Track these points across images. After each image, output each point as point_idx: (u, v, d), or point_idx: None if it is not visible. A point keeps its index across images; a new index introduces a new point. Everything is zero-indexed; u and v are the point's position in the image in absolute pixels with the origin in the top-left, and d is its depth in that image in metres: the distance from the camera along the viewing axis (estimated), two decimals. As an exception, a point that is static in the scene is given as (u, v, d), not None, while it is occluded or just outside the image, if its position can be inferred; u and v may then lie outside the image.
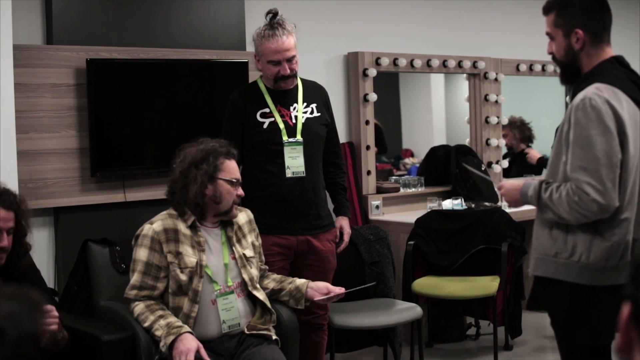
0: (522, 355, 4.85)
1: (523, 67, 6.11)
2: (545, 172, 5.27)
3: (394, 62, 5.34)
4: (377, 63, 5.24)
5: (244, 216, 3.39)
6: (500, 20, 6.20)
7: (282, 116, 3.64)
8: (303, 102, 3.70)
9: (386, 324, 4.15)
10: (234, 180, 3.22)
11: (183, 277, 3.11)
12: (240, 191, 3.25)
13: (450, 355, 4.91)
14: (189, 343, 2.97)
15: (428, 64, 5.55)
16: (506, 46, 6.15)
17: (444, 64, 5.64)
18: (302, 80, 3.76)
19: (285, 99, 3.66)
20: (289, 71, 3.59)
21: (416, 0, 5.66)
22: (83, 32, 4.10)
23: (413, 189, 5.51)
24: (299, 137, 3.63)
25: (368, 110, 5.23)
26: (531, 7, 6.43)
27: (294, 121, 3.65)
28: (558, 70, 2.73)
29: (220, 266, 3.21)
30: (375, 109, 5.26)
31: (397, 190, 5.43)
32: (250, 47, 4.62)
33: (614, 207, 2.49)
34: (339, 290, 3.34)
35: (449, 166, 5.62)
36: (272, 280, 3.44)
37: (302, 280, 3.41)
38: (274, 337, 3.24)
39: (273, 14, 3.59)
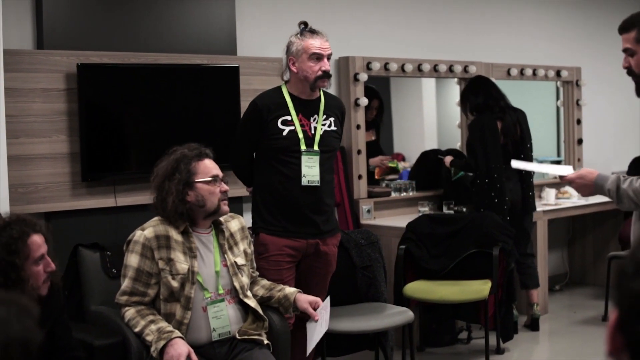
0: (514, 359, 4.86)
1: (514, 72, 6.13)
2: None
3: (385, 66, 5.35)
4: (368, 67, 5.24)
5: (236, 223, 3.38)
6: (491, 25, 6.22)
7: (302, 125, 3.68)
8: (323, 114, 3.74)
9: (378, 328, 4.14)
10: (212, 178, 3.20)
11: (174, 284, 3.11)
12: (224, 186, 3.22)
13: (442, 359, 4.91)
14: (180, 348, 2.96)
15: (419, 68, 5.56)
16: (497, 50, 6.17)
17: (435, 68, 5.65)
18: (323, 92, 3.79)
19: (307, 109, 3.71)
20: (329, 67, 3.66)
21: (407, 5, 5.67)
22: (74, 37, 4.09)
23: (404, 194, 5.52)
24: (316, 148, 3.67)
25: (359, 115, 5.23)
26: (522, 12, 6.46)
27: (312, 132, 3.70)
28: (634, 84, 2.80)
29: (212, 273, 3.20)
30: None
31: (389, 194, 5.43)
32: (241, 52, 4.64)
33: None
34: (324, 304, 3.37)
35: (440, 170, 5.63)
36: (262, 287, 3.44)
37: (292, 290, 3.43)
38: (266, 341, 3.24)
39: (305, 24, 3.71)
